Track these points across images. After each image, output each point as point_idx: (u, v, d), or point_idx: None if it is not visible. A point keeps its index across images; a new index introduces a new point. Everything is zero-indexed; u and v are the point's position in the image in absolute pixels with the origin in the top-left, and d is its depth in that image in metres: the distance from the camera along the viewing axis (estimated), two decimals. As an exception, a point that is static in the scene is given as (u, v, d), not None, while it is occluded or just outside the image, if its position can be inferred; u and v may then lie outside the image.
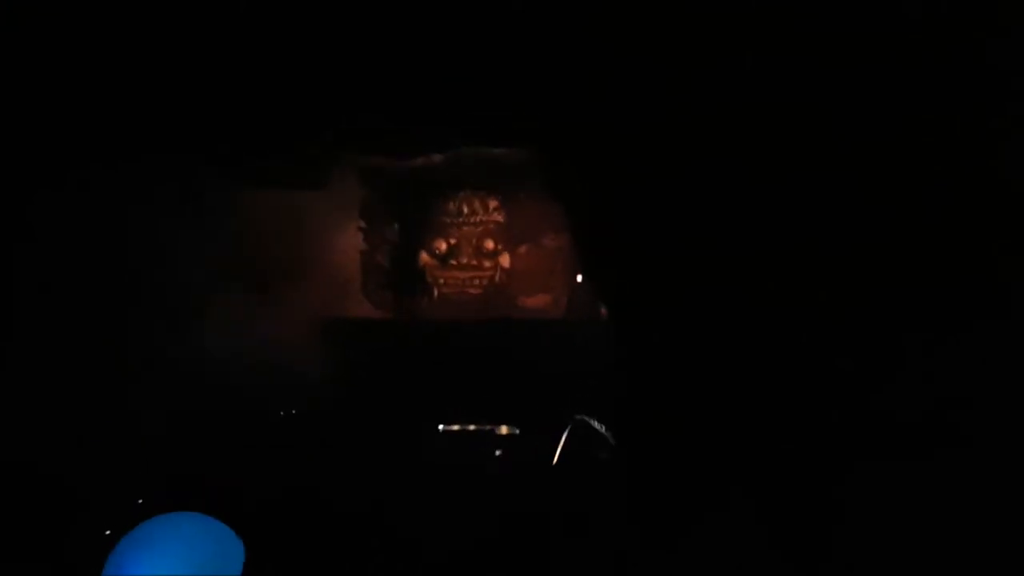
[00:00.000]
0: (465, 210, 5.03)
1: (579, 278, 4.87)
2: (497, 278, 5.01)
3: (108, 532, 2.13)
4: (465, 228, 5.03)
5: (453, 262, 4.99)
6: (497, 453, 4.08)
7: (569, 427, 3.65)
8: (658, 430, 3.38)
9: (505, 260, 5.01)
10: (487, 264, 4.99)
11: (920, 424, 2.54)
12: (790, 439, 2.76)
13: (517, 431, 4.52)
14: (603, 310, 4.36)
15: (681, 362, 3.43)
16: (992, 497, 2.36)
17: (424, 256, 5.06)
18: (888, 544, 2.48)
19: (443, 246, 5.01)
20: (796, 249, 2.93)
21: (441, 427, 4.42)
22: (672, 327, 3.52)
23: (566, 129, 3.92)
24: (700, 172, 3.31)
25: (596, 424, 3.64)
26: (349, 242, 5.15)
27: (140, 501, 2.74)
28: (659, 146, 3.47)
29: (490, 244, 4.98)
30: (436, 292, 5.04)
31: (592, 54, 3.55)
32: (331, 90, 4.14)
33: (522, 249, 5.06)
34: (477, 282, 5.00)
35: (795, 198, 2.91)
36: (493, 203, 5.03)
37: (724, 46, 2.96)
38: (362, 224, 5.18)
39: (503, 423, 4.54)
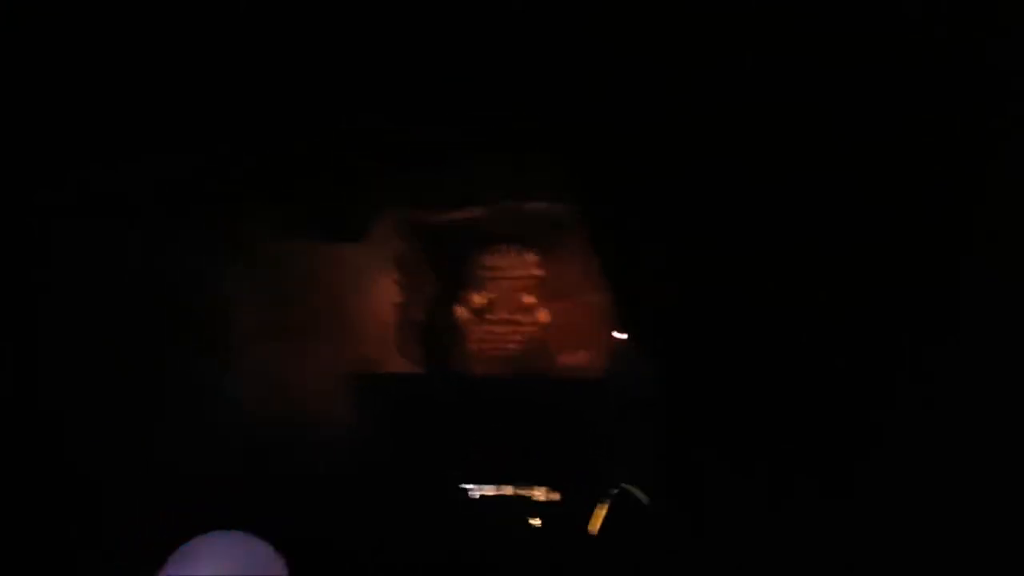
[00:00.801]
0: (503, 264, 4.94)
1: (620, 336, 4.68)
2: (535, 334, 4.89)
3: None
4: (503, 282, 4.92)
5: (490, 316, 4.88)
6: (535, 521, 3.92)
7: (611, 497, 3.43)
8: (703, 495, 3.27)
9: (543, 315, 4.88)
10: (525, 319, 4.87)
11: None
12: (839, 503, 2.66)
13: (555, 495, 4.34)
14: (646, 368, 4.19)
15: (728, 424, 3.33)
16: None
17: (460, 310, 4.96)
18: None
19: (480, 300, 4.91)
20: (844, 302, 2.85)
21: (475, 491, 4.23)
22: (718, 387, 3.42)
23: (608, 185, 3.90)
24: (747, 230, 3.25)
25: (639, 494, 3.43)
26: (385, 295, 5.06)
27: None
28: (704, 205, 3.41)
29: (528, 299, 4.87)
30: (472, 347, 4.92)
31: (640, 114, 3.49)
32: (375, 144, 4.22)
33: (561, 305, 4.93)
34: (514, 338, 4.89)
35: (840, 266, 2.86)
36: (531, 257, 4.93)
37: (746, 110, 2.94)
38: (398, 277, 5.09)
39: (540, 485, 4.38)
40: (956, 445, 2.40)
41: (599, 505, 3.53)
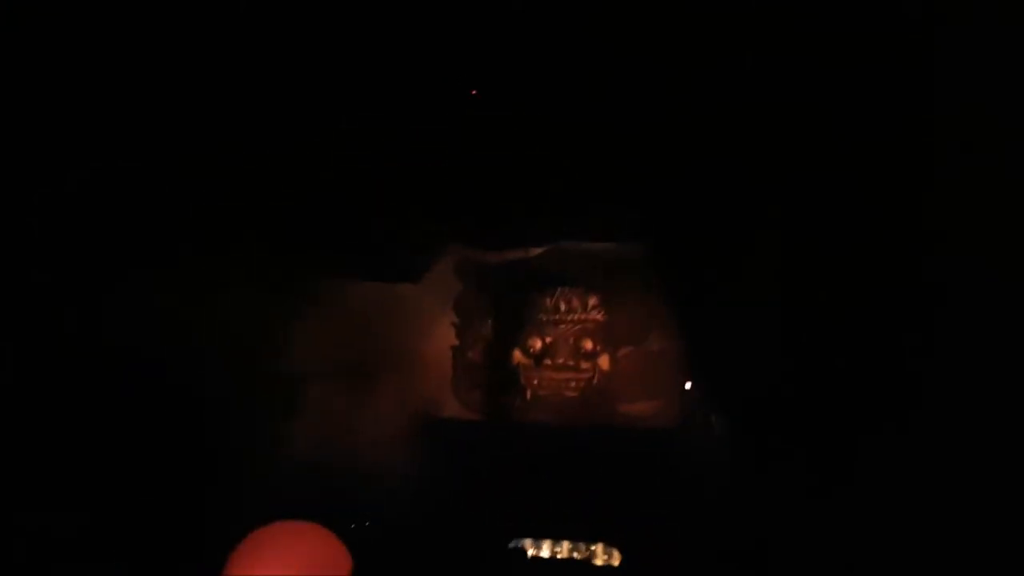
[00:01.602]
0: (562, 307, 4.74)
1: (687, 385, 4.51)
2: (596, 381, 4.67)
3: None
4: (562, 326, 4.73)
5: (548, 362, 4.68)
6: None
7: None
8: (777, 559, 3.26)
9: (604, 362, 4.67)
10: (585, 365, 4.66)
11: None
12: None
13: (614, 553, 4.15)
14: (714, 420, 4.16)
15: (802, 483, 3.33)
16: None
17: (518, 354, 4.78)
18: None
19: (538, 344, 4.71)
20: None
21: (530, 549, 4.03)
22: (790, 442, 3.46)
23: (674, 225, 3.92)
24: (812, 275, 3.39)
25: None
26: (442, 337, 4.97)
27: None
28: (781, 246, 3.53)
29: (588, 344, 4.66)
30: (530, 393, 4.72)
31: (700, 151, 3.59)
32: (432, 181, 4.19)
33: (623, 351, 4.71)
34: (574, 384, 4.67)
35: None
36: (592, 301, 4.75)
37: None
38: (455, 319, 5.00)
39: (600, 543, 4.20)
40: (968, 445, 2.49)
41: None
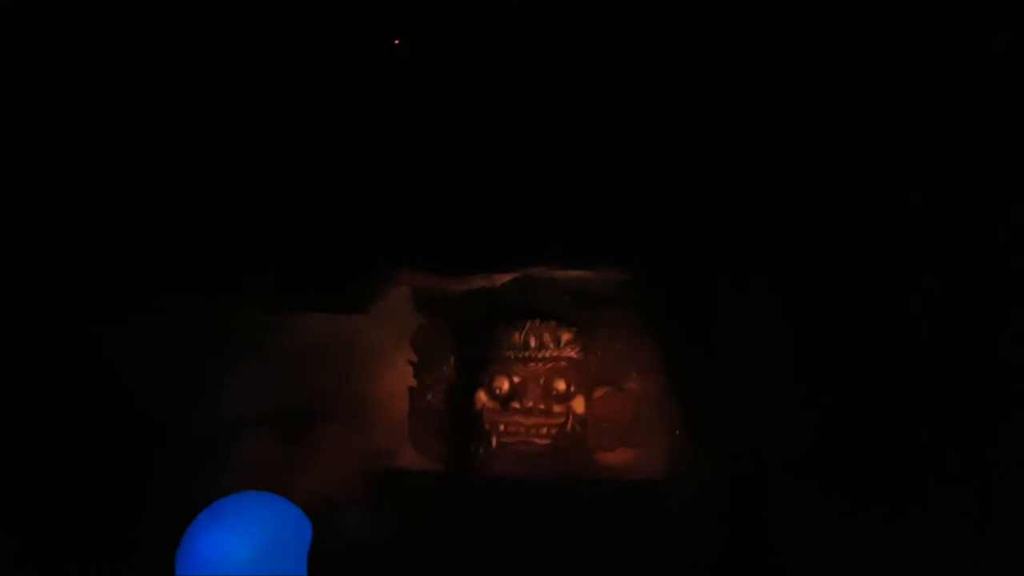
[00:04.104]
0: (532, 343, 4.35)
1: (676, 431, 4.21)
2: (569, 426, 4.27)
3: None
4: (532, 365, 4.33)
5: (516, 405, 4.26)
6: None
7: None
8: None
9: (579, 405, 4.30)
10: (557, 409, 4.27)
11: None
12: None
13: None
14: (700, 470, 3.95)
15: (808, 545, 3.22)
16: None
17: (482, 397, 4.37)
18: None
19: (505, 386, 4.31)
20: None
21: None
22: (796, 499, 3.35)
23: (659, 249, 3.75)
24: (821, 303, 3.36)
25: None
26: (396, 378, 4.62)
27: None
28: (776, 270, 3.43)
29: (562, 385, 4.28)
30: (495, 441, 4.30)
31: (688, 161, 3.45)
32: (384, 200, 3.90)
33: (601, 392, 4.38)
34: (545, 431, 4.26)
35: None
36: (566, 336, 4.37)
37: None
38: (411, 357, 4.63)
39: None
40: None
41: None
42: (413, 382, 4.63)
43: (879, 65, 2.92)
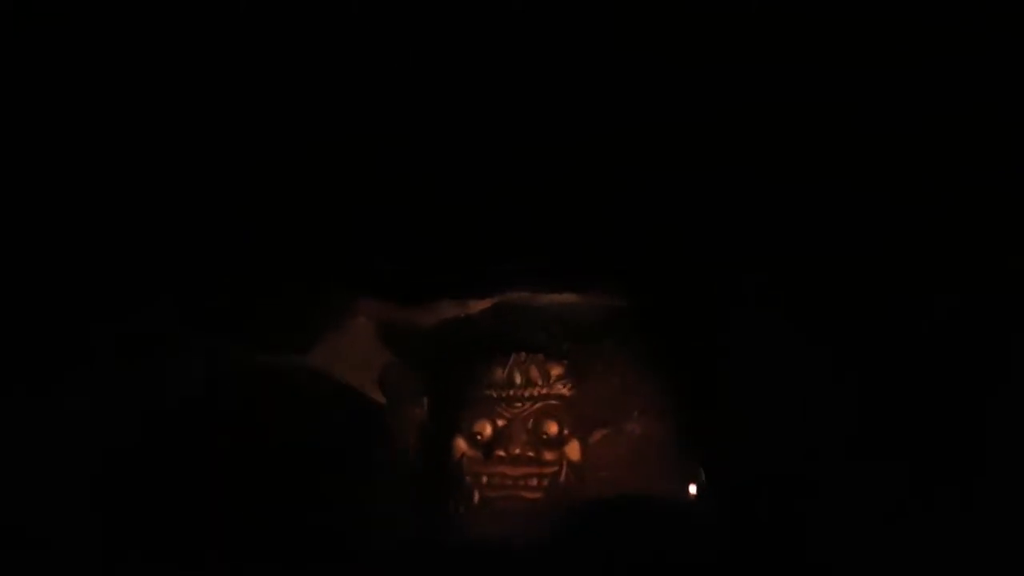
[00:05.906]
0: (518, 380, 4.06)
1: (691, 488, 3.84)
2: (563, 477, 3.95)
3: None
4: (518, 405, 4.03)
5: (501, 453, 3.94)
6: None
7: None
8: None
9: (574, 451, 3.99)
10: (549, 456, 3.95)
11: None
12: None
13: None
14: (718, 528, 3.72)
15: None
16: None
17: (461, 444, 4.05)
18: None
19: (487, 430, 3.99)
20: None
21: None
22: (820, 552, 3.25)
23: (658, 270, 3.61)
24: (834, 331, 3.34)
25: None
26: (360, 425, 4.22)
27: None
28: (792, 295, 3.38)
29: (553, 428, 3.97)
30: (477, 495, 3.98)
31: (690, 170, 3.28)
32: (340, 221, 3.53)
33: (598, 435, 4.04)
34: (535, 482, 3.94)
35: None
36: (556, 370, 4.09)
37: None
38: (379, 399, 4.30)
39: None
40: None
41: None
42: (380, 429, 4.27)
43: (879, 65, 2.87)
